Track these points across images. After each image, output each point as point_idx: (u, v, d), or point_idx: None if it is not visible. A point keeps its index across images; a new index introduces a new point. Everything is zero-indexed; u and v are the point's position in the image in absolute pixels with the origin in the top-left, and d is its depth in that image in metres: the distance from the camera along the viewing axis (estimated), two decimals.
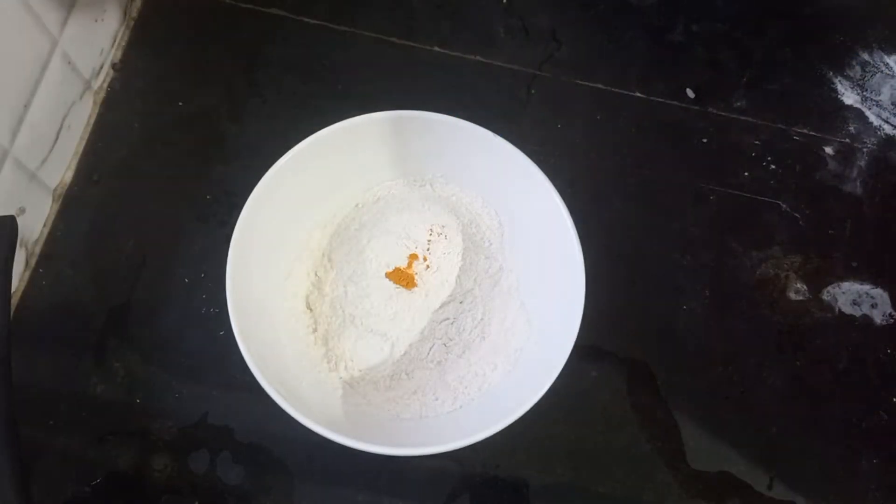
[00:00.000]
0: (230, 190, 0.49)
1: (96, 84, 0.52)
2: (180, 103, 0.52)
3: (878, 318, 0.48)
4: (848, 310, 0.49)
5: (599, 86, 0.54)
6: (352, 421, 0.40)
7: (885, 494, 0.44)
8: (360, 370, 0.42)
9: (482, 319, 0.43)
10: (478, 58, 0.54)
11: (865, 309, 0.49)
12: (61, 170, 0.50)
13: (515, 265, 0.45)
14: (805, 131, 0.54)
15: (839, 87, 0.55)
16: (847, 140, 0.54)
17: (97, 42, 0.51)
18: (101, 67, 0.52)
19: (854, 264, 0.50)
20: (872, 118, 0.54)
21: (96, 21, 0.50)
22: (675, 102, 0.54)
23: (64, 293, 0.47)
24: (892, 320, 0.48)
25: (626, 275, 0.48)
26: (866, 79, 0.55)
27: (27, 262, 0.47)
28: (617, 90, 0.54)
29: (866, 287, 0.49)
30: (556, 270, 0.41)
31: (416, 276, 0.43)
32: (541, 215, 0.42)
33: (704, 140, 0.53)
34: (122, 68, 0.53)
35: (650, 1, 0.57)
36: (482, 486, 0.44)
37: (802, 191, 0.52)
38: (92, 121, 0.51)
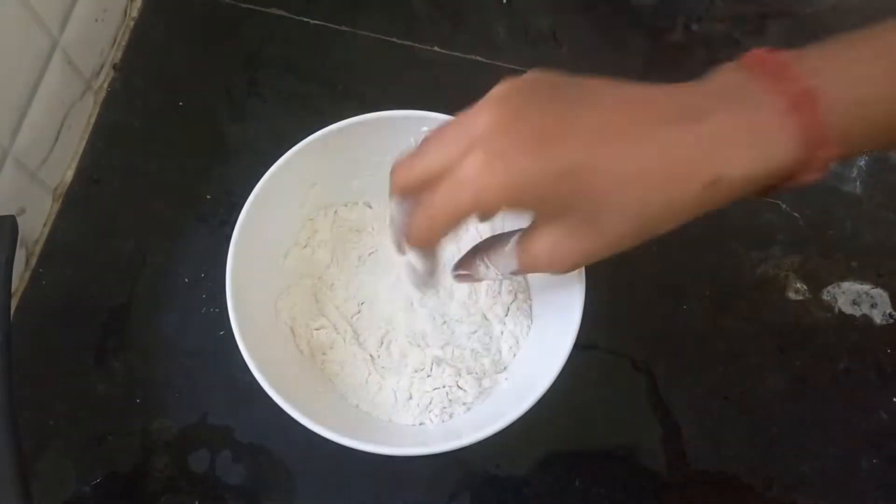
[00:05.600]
0: (230, 190, 0.49)
1: (96, 84, 0.52)
2: (180, 103, 0.52)
3: (878, 318, 0.48)
4: (848, 310, 0.49)
5: None
6: (351, 421, 0.40)
7: (885, 494, 0.44)
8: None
9: (483, 319, 0.43)
10: (478, 58, 0.54)
11: (865, 309, 0.49)
12: (61, 170, 0.50)
13: None
14: None
15: None
16: None
17: (97, 42, 0.51)
18: (101, 67, 0.52)
19: (854, 264, 0.50)
20: None
21: (96, 21, 0.51)
22: None
23: (64, 293, 0.47)
24: (892, 320, 0.48)
25: (627, 274, 0.48)
26: None
27: (27, 262, 0.47)
28: None
29: (866, 287, 0.49)
30: None
31: None
32: None
33: None
34: (122, 68, 0.53)
35: (650, 1, 0.57)
36: (482, 486, 0.44)
37: (802, 191, 0.52)
38: (92, 121, 0.51)
